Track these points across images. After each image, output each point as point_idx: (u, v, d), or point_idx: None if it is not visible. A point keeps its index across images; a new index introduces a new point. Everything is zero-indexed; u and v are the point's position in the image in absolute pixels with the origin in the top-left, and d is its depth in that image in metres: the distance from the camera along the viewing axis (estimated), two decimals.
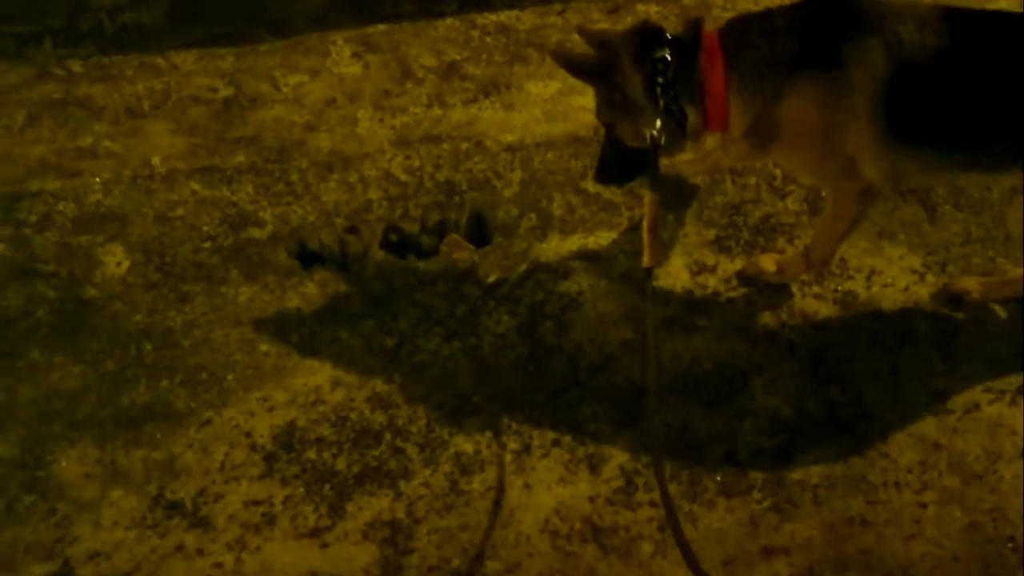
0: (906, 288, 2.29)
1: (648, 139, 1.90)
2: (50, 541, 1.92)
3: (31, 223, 2.45)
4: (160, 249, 2.39)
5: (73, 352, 2.20)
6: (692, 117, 1.94)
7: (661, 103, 1.89)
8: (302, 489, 1.98)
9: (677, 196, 2.47)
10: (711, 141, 2.21)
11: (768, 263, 2.29)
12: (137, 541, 1.92)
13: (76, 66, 2.92)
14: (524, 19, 3.03)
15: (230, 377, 2.16)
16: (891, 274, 2.32)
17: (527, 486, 2.01)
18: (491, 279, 2.34)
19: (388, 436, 2.07)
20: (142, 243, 2.40)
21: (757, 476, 2.03)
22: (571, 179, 2.55)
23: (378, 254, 2.39)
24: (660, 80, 1.88)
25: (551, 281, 2.34)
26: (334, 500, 1.97)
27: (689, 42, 1.90)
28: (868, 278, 2.32)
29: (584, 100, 2.74)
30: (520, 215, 2.47)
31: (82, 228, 2.44)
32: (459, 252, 2.40)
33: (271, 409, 2.10)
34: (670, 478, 2.00)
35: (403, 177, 2.56)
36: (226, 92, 2.82)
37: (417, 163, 2.58)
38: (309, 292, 2.30)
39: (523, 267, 2.36)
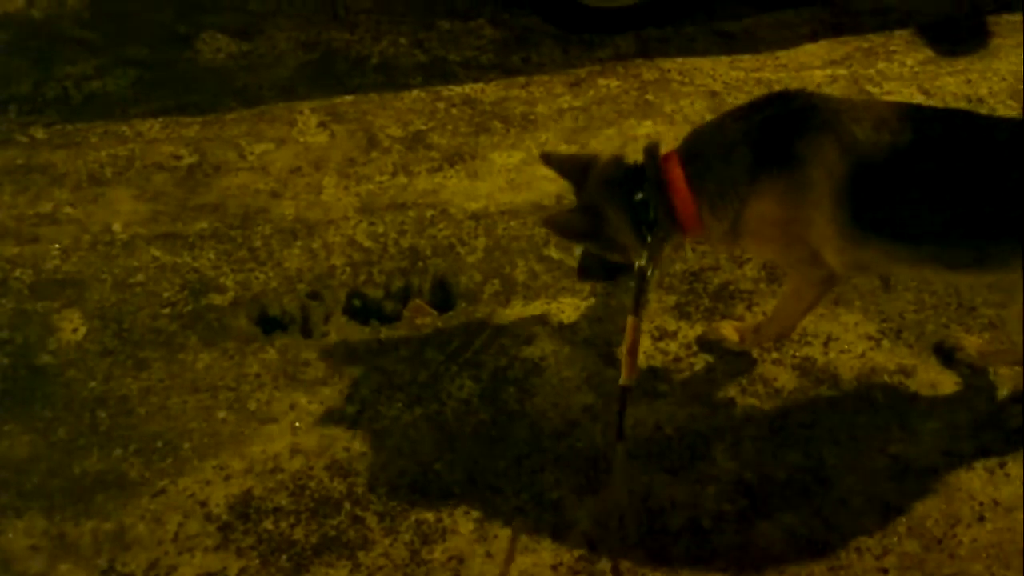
0: (862, 354, 2.33)
1: (635, 268, 1.98)
2: None
3: None
4: (118, 315, 2.37)
5: (24, 420, 2.15)
6: (673, 238, 2.05)
7: (648, 239, 1.97)
8: (258, 560, 1.93)
9: None
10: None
11: (729, 331, 2.32)
12: None
13: (40, 133, 2.93)
14: (488, 91, 3.10)
15: (186, 445, 2.11)
16: (847, 340, 2.36)
17: (489, 555, 1.98)
18: (454, 345, 2.34)
19: (347, 505, 2.04)
20: (100, 309, 2.38)
21: (720, 541, 2.01)
22: (534, 246, 2.58)
23: (340, 320, 2.38)
24: (644, 220, 1.97)
25: (514, 346, 2.34)
26: (291, 571, 1.92)
27: (655, 175, 1.97)
28: (825, 344, 2.35)
29: (547, 170, 2.78)
30: (483, 281, 2.49)
31: (39, 294, 2.41)
32: (422, 318, 2.40)
33: (227, 478, 2.06)
34: (634, 545, 1.98)
35: (367, 244, 2.57)
36: (191, 160, 2.83)
37: (381, 230, 2.60)
38: (269, 358, 2.28)
39: (486, 333, 2.36)
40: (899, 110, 1.93)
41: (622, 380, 1.93)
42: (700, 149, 1.98)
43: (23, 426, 2.13)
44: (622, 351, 1.95)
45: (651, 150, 2.02)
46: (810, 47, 3.27)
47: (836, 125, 1.85)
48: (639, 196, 1.97)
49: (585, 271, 2.22)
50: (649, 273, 1.99)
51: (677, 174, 1.96)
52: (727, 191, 1.93)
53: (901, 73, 3.15)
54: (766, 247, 2.07)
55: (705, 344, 2.34)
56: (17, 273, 2.45)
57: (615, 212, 1.99)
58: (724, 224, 1.97)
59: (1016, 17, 3.37)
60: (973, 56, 3.23)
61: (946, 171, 1.85)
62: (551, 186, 2.72)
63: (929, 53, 3.24)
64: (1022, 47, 3.22)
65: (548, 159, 2.16)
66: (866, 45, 3.28)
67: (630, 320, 1.95)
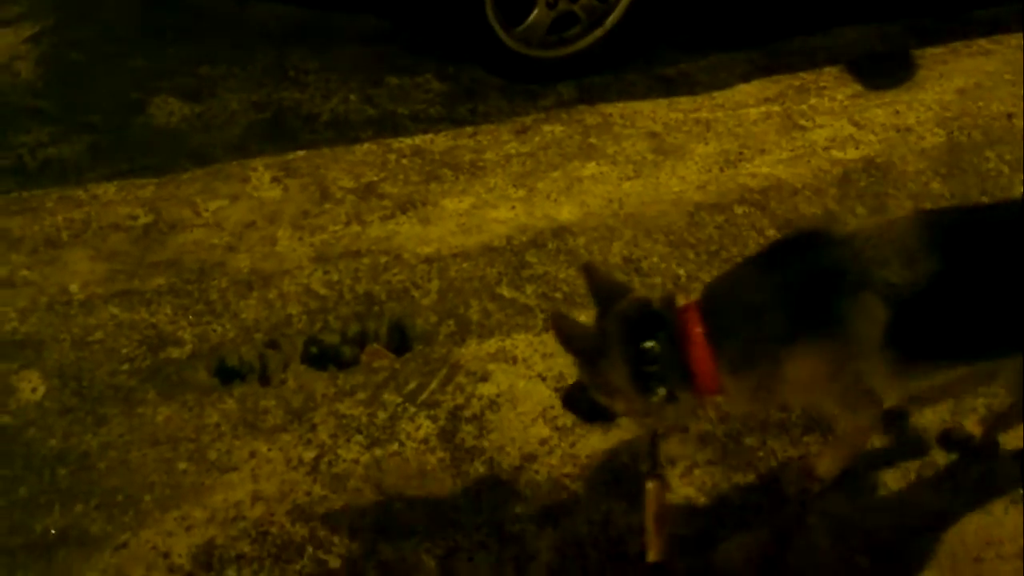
0: None
1: (648, 432, 1.93)
2: None
3: None
4: (77, 373, 2.39)
5: None
6: (685, 401, 1.87)
7: (660, 392, 1.82)
8: None
9: None
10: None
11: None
12: None
13: None
14: (437, 141, 3.18)
15: (147, 498, 2.13)
16: None
17: None
18: (411, 386, 2.39)
19: (310, 549, 2.06)
20: (59, 368, 2.39)
21: (680, 566, 2.06)
22: (487, 286, 2.65)
23: (299, 367, 2.42)
24: (648, 370, 1.81)
25: (470, 384, 2.39)
26: None
27: (672, 327, 1.83)
28: None
29: (497, 213, 2.89)
30: (439, 322, 2.55)
31: None
32: (379, 361, 2.45)
33: (189, 528, 2.07)
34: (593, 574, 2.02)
35: (323, 291, 2.62)
36: (146, 219, 2.87)
37: (336, 277, 2.65)
38: (228, 408, 2.31)
39: (443, 372, 2.41)
40: (920, 232, 1.85)
41: (650, 556, 1.82)
42: (723, 305, 1.86)
43: None
44: (646, 520, 1.83)
45: (667, 300, 1.88)
46: (744, 87, 3.41)
47: (870, 279, 1.78)
48: (650, 344, 1.80)
49: (569, 400, 2.05)
50: (660, 431, 1.88)
51: (697, 330, 1.81)
52: (756, 352, 1.81)
53: (832, 108, 3.30)
54: (814, 397, 1.99)
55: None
56: None
57: (617, 350, 1.83)
58: (748, 384, 1.85)
59: (938, 49, 3.56)
60: (900, 88, 3.39)
61: (985, 283, 1.82)
62: (501, 228, 2.81)
63: (858, 87, 3.40)
64: (945, 78, 3.40)
65: (589, 271, 1.97)
66: (797, 83, 3.43)
67: (649, 485, 1.85)
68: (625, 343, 1.82)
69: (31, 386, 2.36)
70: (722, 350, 1.81)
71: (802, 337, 1.79)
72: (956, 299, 1.81)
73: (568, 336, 1.87)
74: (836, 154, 3.07)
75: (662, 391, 1.82)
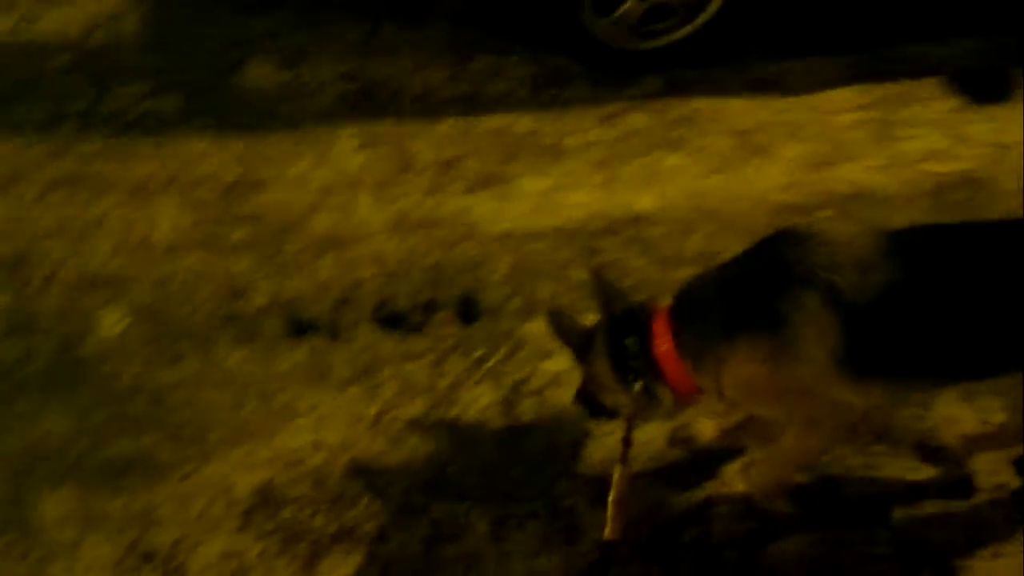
0: None
1: (624, 419, 1.92)
2: None
3: (35, 283, 2.53)
4: (156, 313, 2.47)
5: (65, 404, 2.24)
6: (665, 396, 1.91)
7: (635, 387, 1.87)
8: (277, 545, 1.99)
9: None
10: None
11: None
12: None
13: (93, 146, 3.07)
14: (520, 123, 3.20)
15: (213, 435, 2.19)
16: None
17: (502, 555, 2.02)
18: (475, 355, 2.41)
19: (365, 499, 2.10)
20: (139, 306, 2.48)
21: (731, 556, 2.04)
22: (557, 267, 2.65)
23: (367, 327, 2.46)
24: (630, 366, 1.86)
25: (534, 360, 2.40)
26: (308, 558, 1.97)
27: (644, 325, 1.87)
28: None
29: (574, 197, 2.89)
30: (507, 298, 2.56)
31: (84, 290, 2.52)
32: (446, 329, 2.48)
33: (251, 466, 2.13)
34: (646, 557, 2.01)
35: (397, 258, 2.66)
36: (233, 175, 2.96)
37: (411, 245, 2.69)
38: (297, 358, 2.37)
39: (508, 345, 2.43)
40: (881, 240, 1.76)
41: (606, 534, 1.81)
42: (685, 301, 1.88)
43: (63, 409, 2.23)
44: (608, 501, 1.84)
45: (650, 301, 1.93)
46: (840, 91, 3.33)
47: (814, 278, 1.70)
48: (629, 340, 1.86)
49: (580, 395, 2.08)
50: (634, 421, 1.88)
51: (660, 325, 1.85)
52: (704, 348, 1.80)
53: (930, 119, 3.20)
54: (759, 402, 1.92)
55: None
56: (64, 270, 2.57)
57: (601, 346, 1.91)
58: (709, 381, 1.83)
59: None
60: (1004, 105, 3.29)
61: (947, 301, 1.70)
62: (577, 212, 2.81)
63: (960, 100, 3.30)
64: None
65: (556, 320, 2.01)
66: (896, 91, 3.34)
67: (616, 469, 1.86)
68: (608, 340, 1.90)
69: (113, 321, 2.45)
70: (682, 345, 1.83)
71: (741, 334, 1.76)
72: (913, 312, 1.70)
73: (564, 331, 1.98)
74: (931, 166, 2.99)
75: (638, 385, 1.86)
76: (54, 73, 3.38)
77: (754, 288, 1.78)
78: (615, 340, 1.89)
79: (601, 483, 2.14)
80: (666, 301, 1.91)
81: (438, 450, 2.20)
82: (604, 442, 2.24)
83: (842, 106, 3.26)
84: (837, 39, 3.51)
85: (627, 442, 1.88)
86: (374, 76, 3.39)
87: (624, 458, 1.87)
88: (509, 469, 2.18)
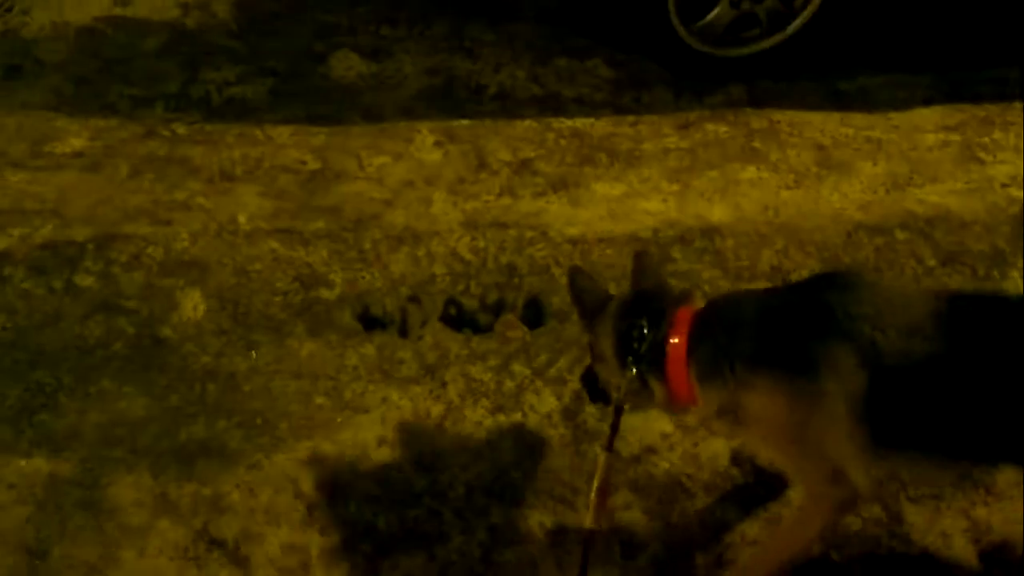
0: None
1: (613, 398, 1.86)
2: (94, 560, 1.99)
3: (120, 262, 2.62)
4: (235, 298, 2.54)
5: (142, 384, 2.32)
6: (657, 391, 1.84)
7: (630, 371, 1.80)
8: (341, 542, 2.03)
9: None
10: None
11: None
12: (178, 572, 1.98)
13: (181, 129, 3.17)
14: (597, 126, 3.20)
15: (283, 425, 2.25)
16: None
17: (559, 564, 2.03)
18: (541, 360, 2.42)
19: (427, 499, 2.12)
20: (219, 291, 2.55)
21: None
22: (627, 275, 2.62)
23: (436, 325, 2.50)
24: (634, 347, 1.79)
25: None
26: (371, 556, 2.01)
27: (662, 318, 1.80)
28: None
29: (648, 204, 2.88)
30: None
31: (166, 272, 2.60)
32: (513, 332, 2.50)
33: (318, 460, 2.18)
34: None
35: (468, 256, 2.69)
36: (314, 165, 3.02)
37: (482, 245, 2.71)
38: (367, 353, 2.41)
39: (573, 352, 2.44)
40: (936, 306, 1.69)
41: (588, 522, 1.77)
42: (716, 313, 1.81)
43: (140, 390, 2.31)
44: (591, 489, 1.79)
45: (683, 293, 1.89)
46: (924, 111, 3.27)
47: (855, 331, 1.65)
48: (640, 321, 1.79)
49: (586, 376, 2.05)
50: (624, 408, 1.82)
51: (682, 324, 1.78)
52: (719, 366, 1.73)
53: (1017, 144, 3.12)
54: (769, 448, 1.87)
55: None
56: (149, 251, 2.65)
57: (612, 317, 1.85)
58: (712, 398, 1.77)
59: None
60: None
61: (985, 384, 1.63)
62: (650, 219, 2.80)
63: None
64: None
65: (573, 276, 2.01)
66: (982, 114, 3.25)
67: (600, 456, 1.82)
68: (621, 315, 1.84)
69: (193, 304, 2.53)
70: (694, 353, 1.76)
71: (764, 366, 1.70)
72: (946, 389, 1.62)
73: (580, 290, 1.93)
74: (1015, 192, 2.91)
75: (634, 369, 1.79)
76: (146, 55, 3.50)
77: (793, 324, 1.72)
78: (630, 315, 1.82)
79: (663, 499, 2.15)
80: (700, 302, 1.88)
81: (500, 454, 2.22)
82: (668, 456, 2.23)
83: (925, 126, 3.19)
84: (922, 58, 3.43)
85: (614, 428, 1.83)
86: (456, 72, 3.43)
87: (610, 445, 1.82)
88: (569, 477, 2.18)
